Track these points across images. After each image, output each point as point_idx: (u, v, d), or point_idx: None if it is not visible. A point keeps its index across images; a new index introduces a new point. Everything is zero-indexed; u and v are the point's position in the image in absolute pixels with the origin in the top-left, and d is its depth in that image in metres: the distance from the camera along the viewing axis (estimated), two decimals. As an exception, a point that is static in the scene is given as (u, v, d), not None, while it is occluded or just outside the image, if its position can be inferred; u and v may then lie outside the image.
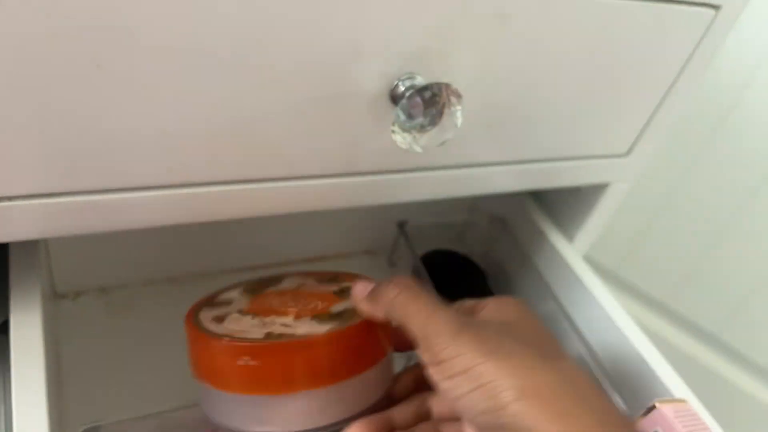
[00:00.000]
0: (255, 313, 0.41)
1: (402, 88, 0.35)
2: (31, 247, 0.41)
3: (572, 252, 0.58)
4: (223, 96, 0.32)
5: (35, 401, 0.34)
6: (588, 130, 0.47)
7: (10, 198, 0.32)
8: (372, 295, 0.36)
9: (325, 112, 0.35)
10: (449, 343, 0.30)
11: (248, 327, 0.39)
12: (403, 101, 0.33)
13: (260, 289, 0.46)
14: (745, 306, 0.97)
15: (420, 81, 0.35)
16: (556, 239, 0.59)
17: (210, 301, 0.44)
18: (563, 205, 0.61)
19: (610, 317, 0.52)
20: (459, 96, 0.33)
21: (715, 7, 0.42)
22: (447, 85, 0.33)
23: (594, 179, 0.53)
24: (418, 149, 0.35)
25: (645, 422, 0.38)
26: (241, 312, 0.41)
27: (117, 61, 0.28)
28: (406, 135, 0.34)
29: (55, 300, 0.54)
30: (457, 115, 0.34)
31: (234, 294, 0.46)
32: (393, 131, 0.34)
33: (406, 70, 0.35)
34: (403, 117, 0.33)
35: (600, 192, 0.55)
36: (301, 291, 0.46)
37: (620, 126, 0.48)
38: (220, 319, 0.40)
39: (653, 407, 0.38)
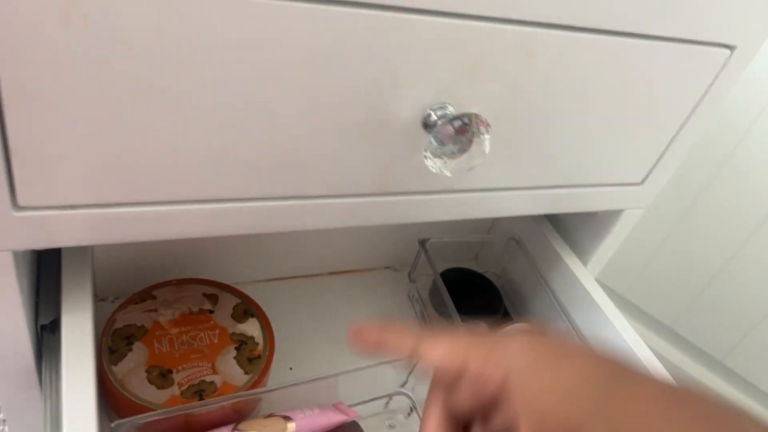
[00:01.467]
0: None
1: (434, 117, 0.38)
2: (82, 252, 0.44)
3: (587, 274, 0.60)
4: (272, 121, 0.35)
5: (84, 397, 0.36)
6: (605, 159, 0.49)
7: (73, 207, 0.34)
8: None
9: (362, 136, 0.38)
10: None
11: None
12: (436, 129, 0.36)
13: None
14: (751, 333, 0.98)
15: (451, 110, 0.38)
16: (571, 261, 0.61)
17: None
18: (578, 228, 0.63)
19: (623, 339, 0.54)
20: (488, 126, 0.36)
21: (731, 48, 0.45)
22: (477, 116, 0.36)
23: (610, 205, 0.55)
24: (447, 174, 0.38)
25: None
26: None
27: (179, 87, 0.31)
28: (437, 160, 0.37)
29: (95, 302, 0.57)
30: (486, 143, 0.37)
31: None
32: (425, 156, 0.37)
33: (438, 99, 0.38)
34: (435, 144, 0.36)
35: (615, 217, 0.58)
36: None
37: (636, 156, 0.51)
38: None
39: None
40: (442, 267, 0.64)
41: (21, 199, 0.33)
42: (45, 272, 0.46)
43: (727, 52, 0.45)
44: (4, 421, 0.68)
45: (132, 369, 0.45)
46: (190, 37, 0.29)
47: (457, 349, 0.32)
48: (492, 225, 0.74)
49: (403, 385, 0.56)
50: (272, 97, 0.34)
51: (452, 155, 0.37)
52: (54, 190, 0.33)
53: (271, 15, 0.30)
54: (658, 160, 0.52)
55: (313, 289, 0.65)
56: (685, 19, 0.41)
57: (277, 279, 0.65)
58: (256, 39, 0.31)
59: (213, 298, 0.53)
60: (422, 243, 0.62)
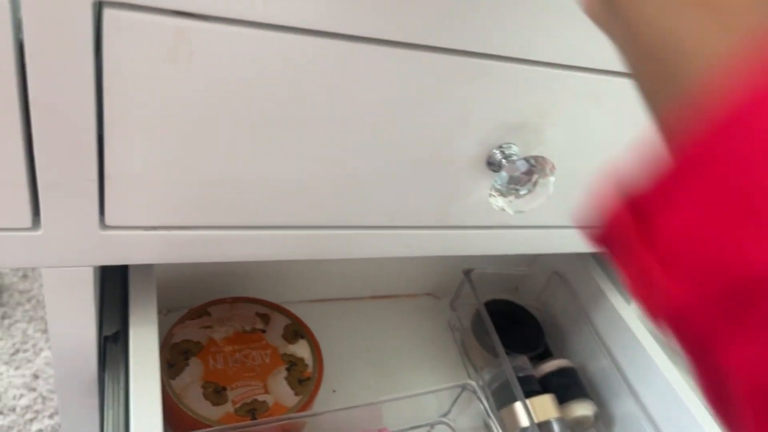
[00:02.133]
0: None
1: (499, 156, 0.39)
2: (147, 268, 0.45)
3: (631, 313, 0.60)
4: (344, 156, 0.36)
5: (151, 408, 0.38)
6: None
7: (154, 228, 0.36)
8: None
9: (427, 171, 0.39)
10: None
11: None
12: (504, 168, 0.37)
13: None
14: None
15: (515, 150, 0.39)
16: (615, 299, 0.61)
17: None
18: (623, 267, 0.63)
19: (667, 380, 0.54)
20: (554, 169, 0.37)
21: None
22: (545, 158, 0.37)
23: (659, 247, 0.55)
24: (510, 212, 0.39)
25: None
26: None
27: (265, 124, 0.33)
28: (501, 199, 0.38)
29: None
30: (551, 185, 0.38)
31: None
32: (491, 194, 0.38)
33: (504, 140, 0.39)
34: (502, 183, 0.37)
35: (662, 258, 0.58)
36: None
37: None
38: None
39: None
40: (482, 297, 0.64)
41: (108, 219, 0.34)
42: (108, 285, 0.48)
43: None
44: (59, 426, 0.70)
45: (189, 384, 0.46)
46: (281, 80, 0.31)
47: None
48: (535, 258, 0.74)
49: (445, 415, 0.56)
50: (345, 133, 0.35)
51: (517, 195, 0.38)
52: (137, 212, 0.35)
53: (347, 57, 0.32)
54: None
55: (355, 311, 0.67)
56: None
57: (320, 300, 0.66)
58: (333, 80, 0.32)
59: (265, 318, 0.54)
60: (467, 273, 0.63)
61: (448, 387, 0.49)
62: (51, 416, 0.76)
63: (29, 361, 0.81)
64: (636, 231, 0.20)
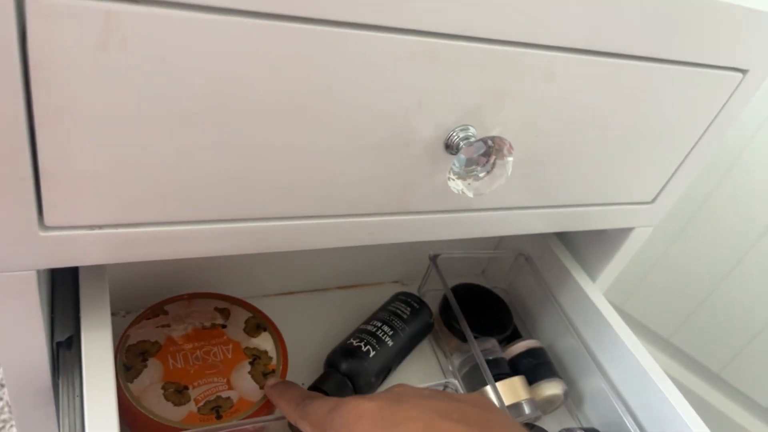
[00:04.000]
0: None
1: (456, 139, 0.38)
2: (99, 269, 0.43)
3: (596, 291, 0.61)
4: (294, 143, 0.35)
5: (107, 415, 0.36)
6: (618, 179, 0.50)
7: (99, 227, 0.34)
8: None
9: (384, 157, 0.38)
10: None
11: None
12: (462, 151, 0.36)
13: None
14: (748, 347, 0.99)
15: (473, 131, 0.39)
16: (581, 278, 0.62)
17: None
18: (587, 245, 0.64)
19: (633, 356, 0.54)
20: (512, 149, 0.37)
21: (743, 71, 0.45)
22: (502, 139, 0.36)
23: (621, 224, 0.56)
24: (470, 195, 0.38)
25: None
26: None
27: (202, 112, 0.31)
28: (460, 182, 0.37)
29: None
30: (509, 166, 0.37)
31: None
32: (449, 178, 0.37)
33: (461, 122, 0.38)
34: (460, 165, 0.36)
35: (624, 235, 0.58)
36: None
37: (648, 176, 0.51)
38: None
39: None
40: (450, 282, 0.64)
41: (48, 220, 0.33)
42: (58, 289, 0.46)
43: (739, 75, 0.46)
44: (15, 437, 0.67)
45: (148, 386, 0.45)
46: (217, 64, 0.30)
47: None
48: (500, 240, 0.74)
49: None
50: (295, 119, 0.34)
51: (476, 177, 0.37)
52: (80, 211, 0.33)
53: (293, 39, 0.30)
54: (669, 180, 0.53)
55: (321, 303, 0.66)
56: (700, 44, 0.42)
57: (284, 293, 0.65)
58: (280, 64, 0.31)
59: (225, 313, 0.53)
60: (433, 258, 0.63)
61: (430, 385, 0.49)
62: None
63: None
64: None
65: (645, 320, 1.11)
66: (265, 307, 0.57)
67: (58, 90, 0.28)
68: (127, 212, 0.34)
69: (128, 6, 0.26)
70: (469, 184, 0.37)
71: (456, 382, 0.52)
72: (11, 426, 0.72)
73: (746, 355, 1.00)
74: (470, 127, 0.39)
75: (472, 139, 0.37)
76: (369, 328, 0.56)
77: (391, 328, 0.56)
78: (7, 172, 0.30)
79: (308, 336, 0.60)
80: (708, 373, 1.06)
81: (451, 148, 0.39)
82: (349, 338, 0.55)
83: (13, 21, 0.25)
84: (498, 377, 0.56)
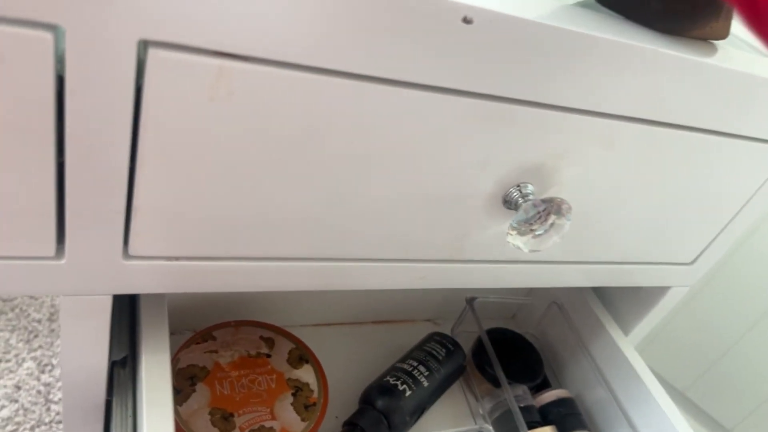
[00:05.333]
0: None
1: (516, 195, 0.40)
2: (159, 294, 0.45)
3: (628, 345, 0.61)
4: (364, 192, 0.37)
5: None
6: (661, 240, 0.51)
7: (176, 258, 0.36)
8: None
9: (446, 208, 0.40)
10: None
11: None
12: (523, 209, 0.38)
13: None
14: (763, 406, 0.99)
15: (531, 189, 0.40)
16: (614, 331, 0.62)
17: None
18: (622, 299, 0.64)
19: (663, 411, 0.55)
20: (570, 210, 0.38)
21: (791, 146, 0.47)
22: (563, 200, 0.38)
23: (659, 282, 0.57)
24: (525, 250, 0.40)
25: None
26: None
27: (291, 162, 0.33)
28: (518, 237, 0.39)
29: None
30: (566, 226, 0.38)
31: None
32: (509, 233, 0.39)
33: (520, 179, 0.40)
34: (520, 222, 0.38)
35: (662, 293, 0.59)
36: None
37: (690, 240, 0.52)
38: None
39: None
40: (482, 325, 0.65)
41: (132, 249, 0.35)
42: (115, 310, 0.47)
43: (787, 149, 0.47)
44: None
45: (196, 410, 0.46)
46: (308, 118, 0.32)
47: None
48: (533, 288, 0.75)
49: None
50: (370, 171, 0.36)
51: (534, 234, 0.39)
52: (160, 243, 0.35)
53: (377, 99, 0.32)
54: (709, 244, 0.54)
55: (356, 336, 0.67)
56: (752, 119, 0.43)
57: (320, 324, 0.67)
58: (363, 121, 0.33)
59: (269, 342, 0.54)
60: (470, 301, 0.64)
61: (464, 430, 0.50)
62: (32, 428, 0.74)
63: (11, 371, 0.79)
64: None
65: (661, 371, 1.11)
66: (304, 336, 0.58)
67: (163, 134, 0.30)
68: (203, 246, 0.36)
69: (239, 63, 0.28)
70: (527, 240, 0.39)
71: (489, 427, 0.52)
72: (26, 428, 0.73)
73: (760, 415, 1.00)
74: (529, 185, 0.40)
75: (531, 197, 0.39)
76: (405, 367, 0.57)
77: (427, 368, 0.57)
78: (104, 204, 0.32)
79: (342, 369, 0.62)
80: (721, 430, 1.05)
81: (508, 203, 0.40)
82: (385, 375, 0.57)
83: (133, 69, 0.27)
84: (530, 425, 0.56)
